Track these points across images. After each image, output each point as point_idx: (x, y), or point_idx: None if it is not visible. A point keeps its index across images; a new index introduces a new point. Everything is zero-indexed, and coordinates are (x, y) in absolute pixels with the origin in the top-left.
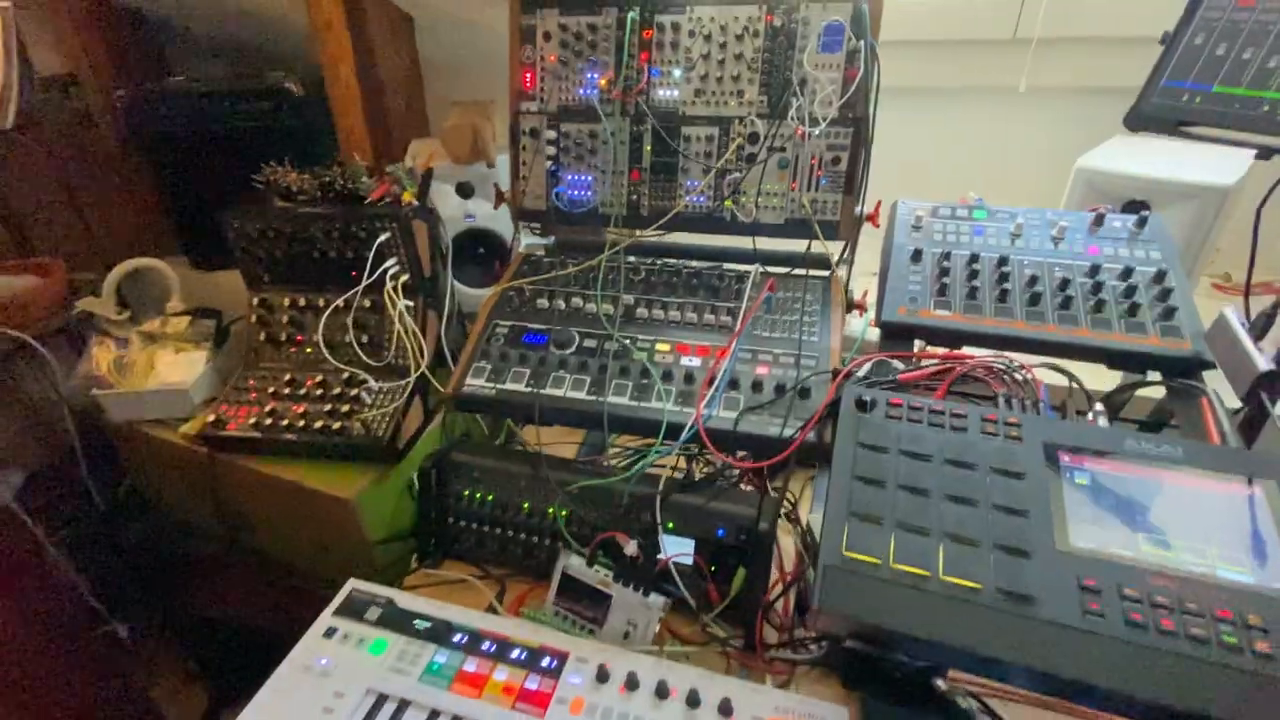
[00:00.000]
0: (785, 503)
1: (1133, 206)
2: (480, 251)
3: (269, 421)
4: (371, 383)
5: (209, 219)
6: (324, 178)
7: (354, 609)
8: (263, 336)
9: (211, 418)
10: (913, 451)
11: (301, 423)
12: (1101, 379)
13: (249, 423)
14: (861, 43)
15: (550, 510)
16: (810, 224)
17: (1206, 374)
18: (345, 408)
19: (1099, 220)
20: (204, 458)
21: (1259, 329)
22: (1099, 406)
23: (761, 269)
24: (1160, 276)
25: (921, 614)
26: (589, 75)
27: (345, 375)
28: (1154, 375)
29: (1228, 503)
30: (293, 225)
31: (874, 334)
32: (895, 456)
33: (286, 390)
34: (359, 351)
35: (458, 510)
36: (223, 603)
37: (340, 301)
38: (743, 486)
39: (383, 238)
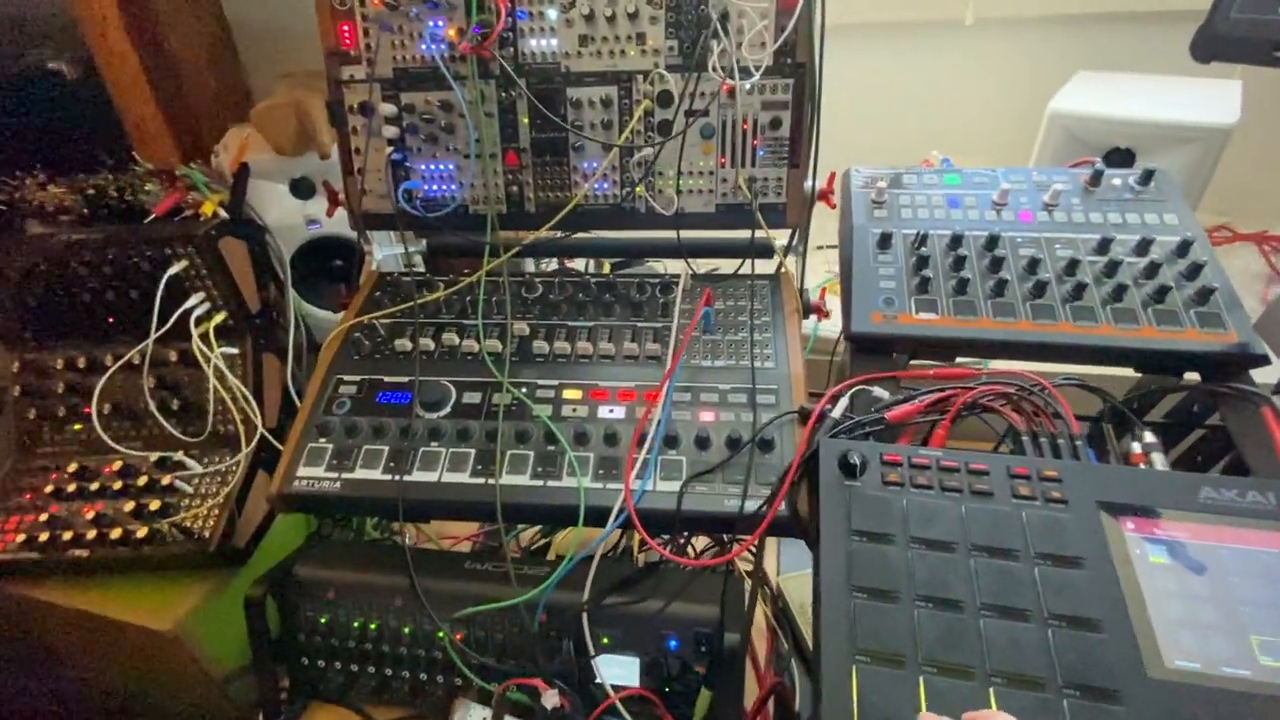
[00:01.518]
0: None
1: (1116, 156)
2: (337, 264)
3: (47, 535)
4: (190, 464)
5: None
6: (88, 189)
7: None
8: (33, 414)
9: None
10: (929, 539)
11: (93, 532)
12: (1112, 374)
13: (19, 540)
14: None
15: (441, 635)
16: (750, 210)
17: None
18: (155, 504)
19: (1095, 179)
20: None
21: None
22: (1149, 437)
23: (692, 274)
24: (1184, 249)
25: None
26: (431, 24)
27: (154, 458)
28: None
29: None
30: (48, 259)
31: (829, 330)
32: (905, 548)
33: (72, 486)
34: (165, 423)
35: (314, 644)
36: None
37: (133, 358)
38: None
39: (176, 268)
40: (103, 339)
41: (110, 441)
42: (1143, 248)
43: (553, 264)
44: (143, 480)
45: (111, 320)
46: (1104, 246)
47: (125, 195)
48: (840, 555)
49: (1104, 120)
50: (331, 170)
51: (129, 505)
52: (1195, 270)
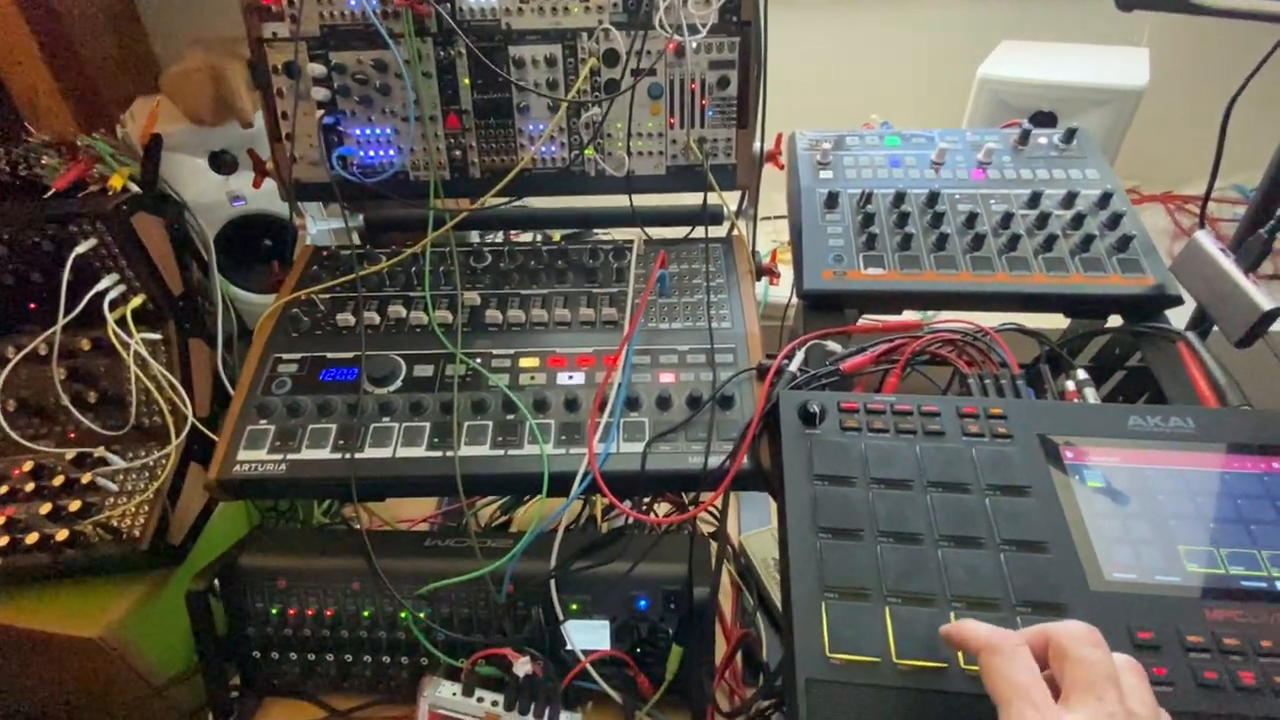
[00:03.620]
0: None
1: (1040, 118)
2: (267, 244)
3: None
4: (113, 459)
5: None
6: None
7: None
8: None
9: None
10: (887, 478)
11: (4, 539)
12: (1044, 321)
13: None
14: None
15: (404, 614)
16: (701, 171)
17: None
18: (75, 504)
19: (1024, 138)
20: None
21: (1252, 257)
22: (1081, 374)
23: (646, 237)
24: (1105, 200)
25: None
26: None
27: (70, 456)
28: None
29: (1260, 484)
30: None
31: (779, 294)
32: (866, 488)
33: None
34: (82, 417)
35: (265, 637)
36: None
37: (38, 346)
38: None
39: (84, 246)
40: (2, 328)
41: (20, 439)
42: (1069, 200)
43: (499, 238)
44: (59, 480)
45: (11, 307)
46: (1034, 200)
47: (19, 169)
48: (805, 499)
49: (1028, 84)
50: (255, 140)
51: (45, 508)
52: (1115, 220)
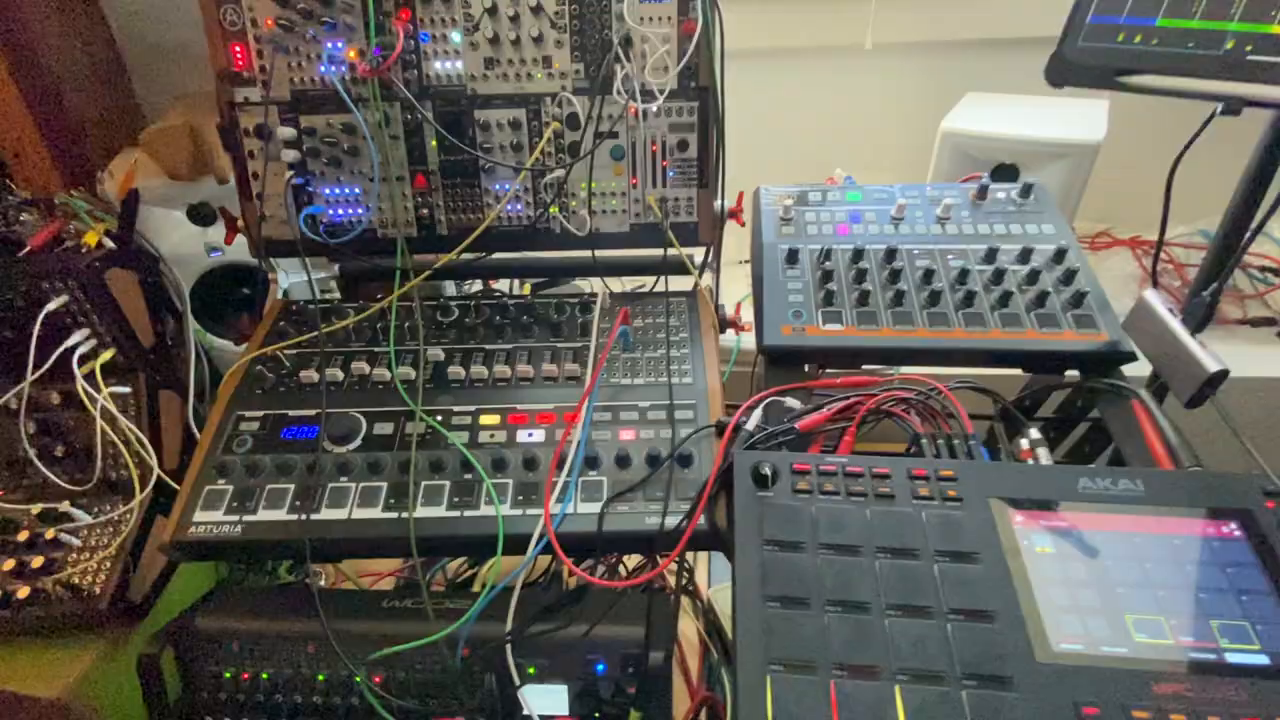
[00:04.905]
0: (682, 592)
1: (1001, 170)
2: (244, 292)
3: None
4: (78, 515)
5: None
6: None
7: None
8: None
9: None
10: (836, 543)
11: None
12: (1005, 375)
13: None
14: None
15: (359, 679)
16: (661, 229)
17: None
18: (38, 560)
19: (982, 193)
20: None
21: (1196, 319)
22: (1034, 434)
23: (610, 293)
24: (1060, 255)
25: None
26: (329, 45)
27: (36, 510)
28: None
29: (1207, 549)
30: None
31: (750, 341)
32: (815, 553)
33: None
34: (48, 472)
35: (217, 702)
36: None
37: (9, 402)
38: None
39: (55, 304)
40: None
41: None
42: (1024, 256)
43: (476, 286)
44: (23, 536)
45: None
46: (991, 256)
47: None
48: (754, 565)
49: (990, 138)
50: (231, 195)
51: (9, 564)
52: (1070, 276)
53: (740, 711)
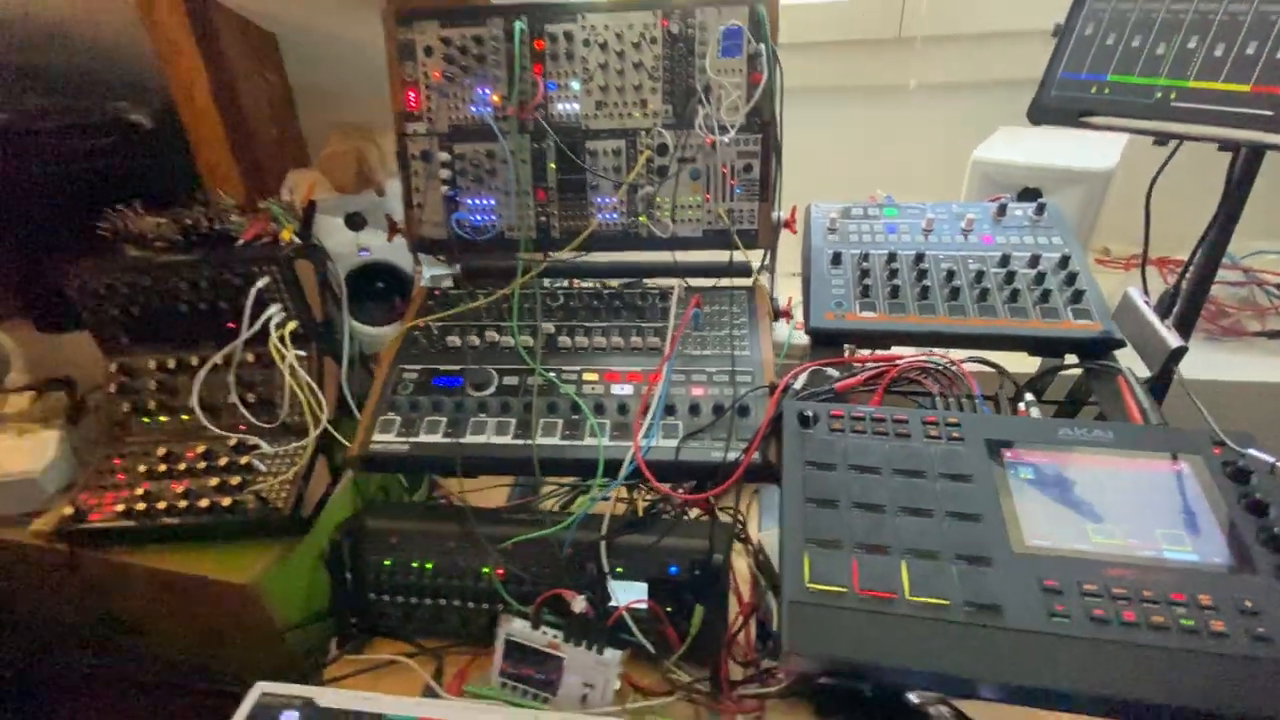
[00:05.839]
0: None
1: (1027, 194)
2: (380, 287)
3: (143, 506)
4: (264, 447)
5: (52, 274)
6: (185, 220)
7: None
8: (127, 407)
9: (69, 510)
10: (861, 465)
11: (184, 503)
12: (1023, 365)
13: (118, 510)
14: (762, 46)
15: (485, 570)
16: (729, 234)
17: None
18: (236, 480)
19: (1001, 210)
20: (64, 556)
21: (1165, 306)
22: (1029, 396)
23: (685, 284)
24: (1065, 261)
25: (894, 641)
26: (480, 91)
27: (232, 442)
28: (1071, 358)
29: (1160, 481)
30: (152, 277)
31: (800, 338)
32: (845, 472)
33: (162, 467)
34: (246, 413)
35: (379, 583)
36: None
37: (219, 358)
38: (691, 516)
39: (262, 282)
40: (187, 344)
41: (208, 424)
42: (1034, 261)
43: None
44: (223, 461)
45: (197, 327)
46: (1004, 260)
47: (214, 224)
48: (798, 478)
49: (1014, 166)
50: (381, 206)
51: (213, 481)
52: (1072, 278)
53: (786, 573)
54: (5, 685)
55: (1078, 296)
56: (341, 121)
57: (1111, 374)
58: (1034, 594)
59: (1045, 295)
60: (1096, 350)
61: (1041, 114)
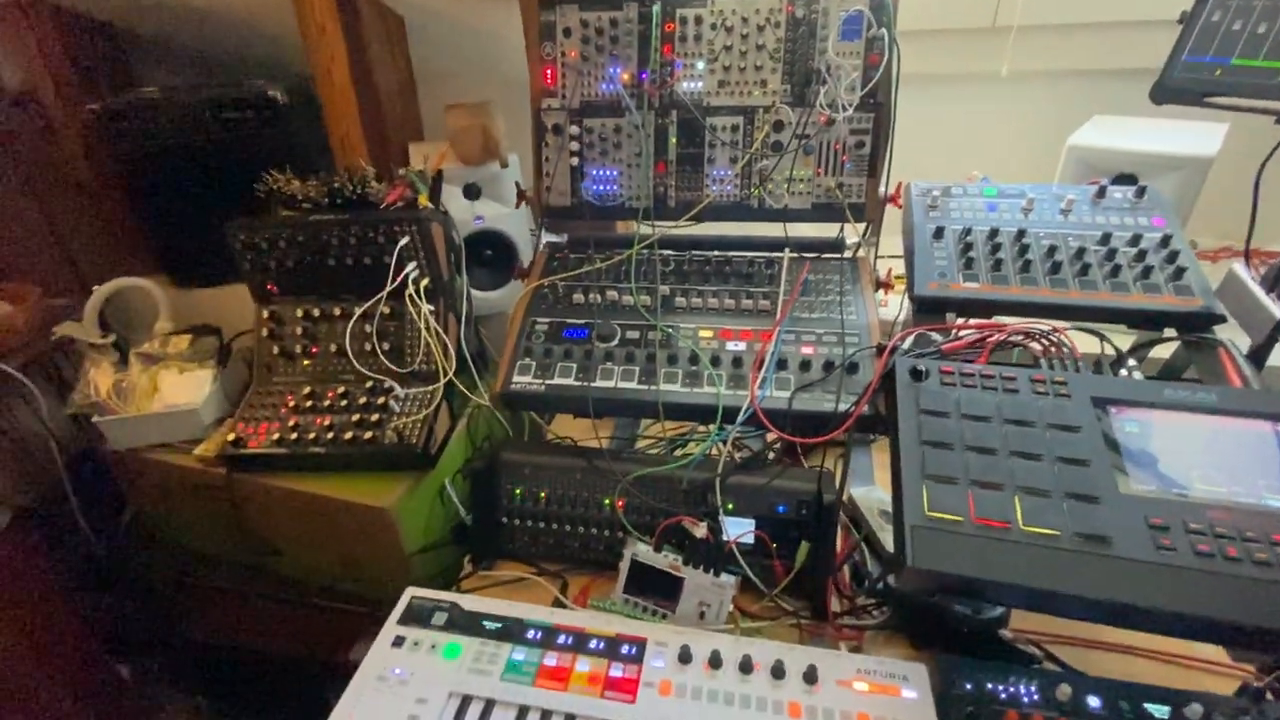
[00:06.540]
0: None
1: (1122, 179)
2: (489, 254)
3: (294, 436)
4: (399, 390)
5: (192, 235)
6: (331, 184)
7: (418, 616)
8: (275, 350)
9: (232, 436)
10: (973, 414)
11: (329, 435)
12: (1120, 342)
13: (271, 439)
14: (882, 30)
15: (606, 501)
16: (838, 207)
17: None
18: (374, 417)
19: (1101, 193)
20: (220, 480)
21: (1270, 282)
22: (1132, 362)
23: (792, 254)
24: (1166, 241)
25: (1008, 563)
26: (612, 70)
27: (369, 384)
28: (1169, 332)
29: (1261, 439)
30: (305, 234)
31: (890, 314)
32: (957, 420)
33: (307, 404)
34: (384, 359)
35: (509, 509)
36: (237, 633)
37: (366, 307)
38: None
39: (404, 241)
40: (329, 296)
41: (357, 365)
42: (1135, 240)
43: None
44: (362, 400)
45: (340, 280)
46: (1105, 239)
47: (358, 189)
48: (913, 424)
49: (1111, 151)
50: (500, 177)
51: (354, 418)
52: (1174, 256)
53: (906, 502)
54: (161, 596)
55: (1179, 274)
56: (453, 100)
57: (1211, 345)
58: (1141, 529)
59: (1146, 271)
60: (1198, 324)
61: (1165, 94)
